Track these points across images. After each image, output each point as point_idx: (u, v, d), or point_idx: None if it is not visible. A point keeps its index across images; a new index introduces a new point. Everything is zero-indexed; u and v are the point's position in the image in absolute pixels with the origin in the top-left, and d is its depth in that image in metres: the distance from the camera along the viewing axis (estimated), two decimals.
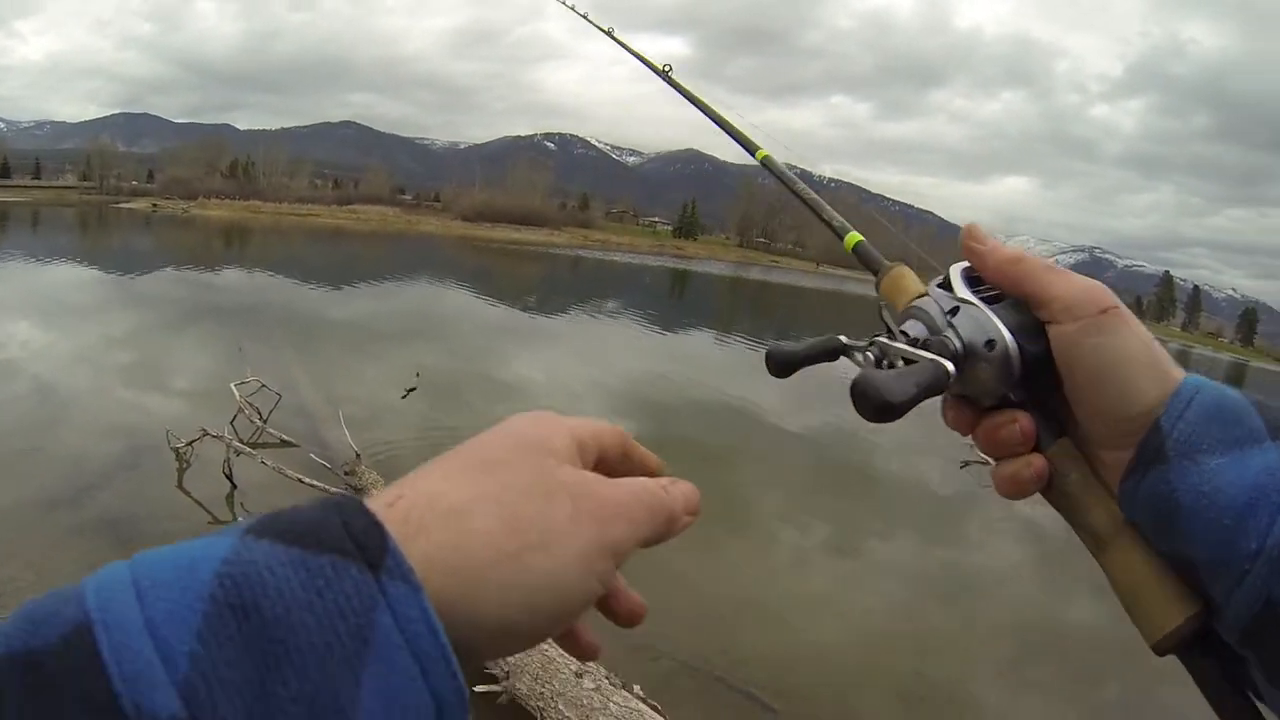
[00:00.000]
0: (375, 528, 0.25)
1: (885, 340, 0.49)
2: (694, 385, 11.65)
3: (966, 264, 0.48)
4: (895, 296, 0.56)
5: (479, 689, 3.40)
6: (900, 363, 0.46)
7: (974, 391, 0.46)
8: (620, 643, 2.64)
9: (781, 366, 0.56)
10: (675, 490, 0.35)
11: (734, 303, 35.96)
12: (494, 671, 3.48)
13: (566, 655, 3.34)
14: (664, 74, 1.08)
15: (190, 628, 0.22)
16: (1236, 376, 49.23)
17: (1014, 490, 0.46)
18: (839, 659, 4.74)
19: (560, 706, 3.27)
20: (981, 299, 0.46)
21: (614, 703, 3.26)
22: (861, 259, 0.64)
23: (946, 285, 0.49)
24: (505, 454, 0.31)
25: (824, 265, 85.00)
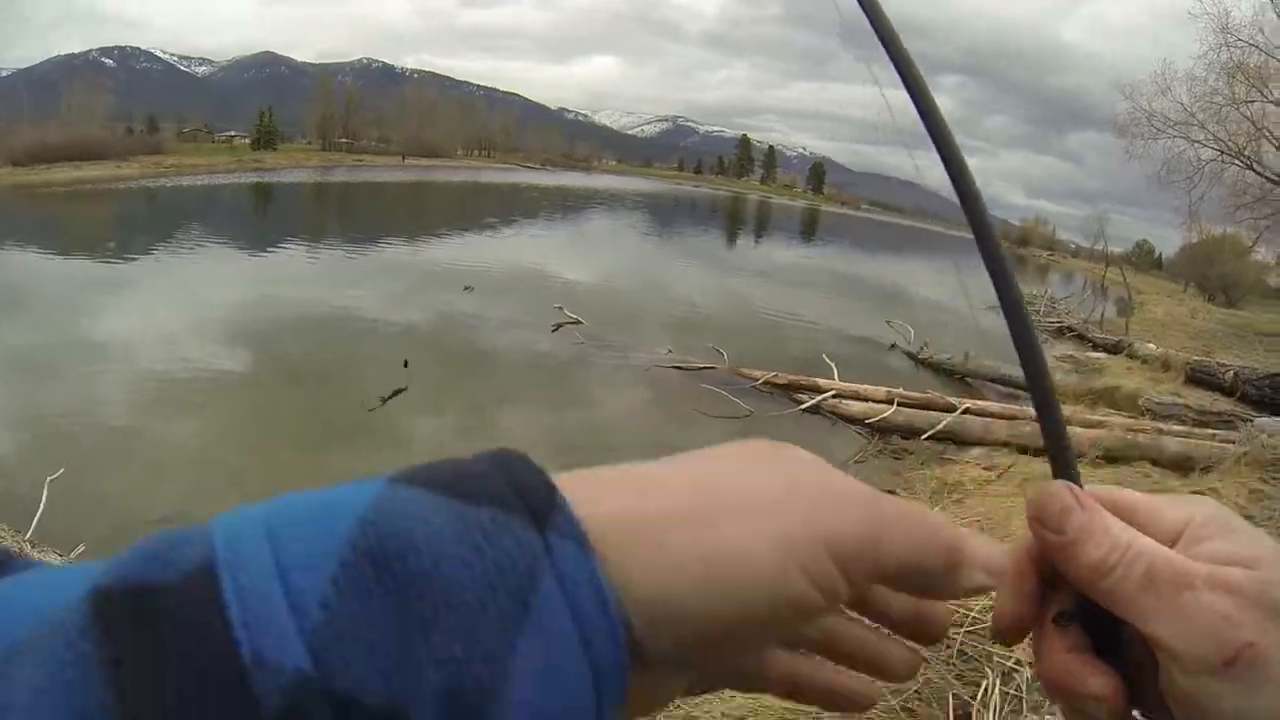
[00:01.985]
0: (544, 483, 0.23)
1: None
2: (297, 303, 11.24)
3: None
4: None
5: None
6: None
7: None
8: None
9: None
10: (970, 536, 0.29)
11: (321, 210, 34.22)
12: None
13: None
14: None
15: (326, 576, 0.20)
16: (811, 219, 58.45)
17: None
18: None
19: None
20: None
21: None
22: None
23: None
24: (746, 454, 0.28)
25: (409, 158, 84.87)
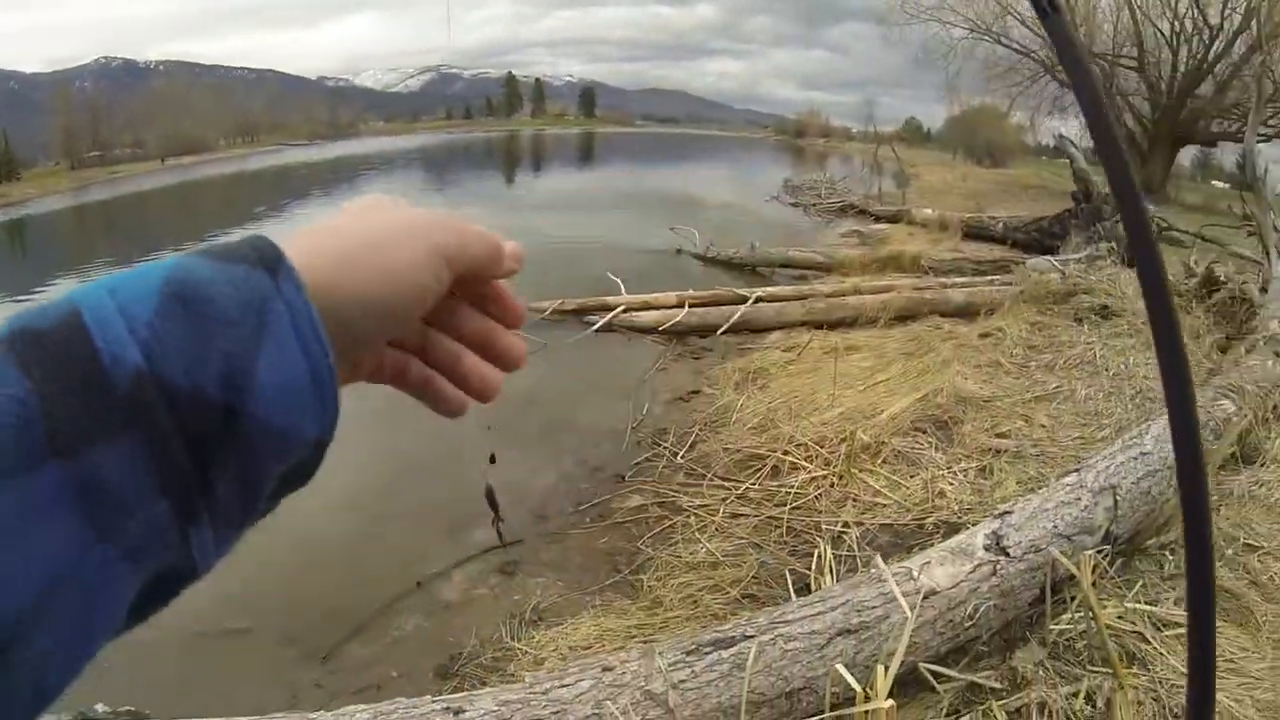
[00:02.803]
0: (273, 248, 0.33)
1: None
2: None
3: None
4: None
5: None
6: None
7: None
8: None
9: None
10: (511, 244, 0.43)
11: (84, 236, 33.50)
12: None
13: None
14: None
15: (148, 308, 0.29)
16: (587, 143, 60.47)
17: None
18: None
19: None
20: None
21: None
22: None
23: None
24: (370, 207, 0.41)
25: (169, 159, 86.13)
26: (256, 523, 0.34)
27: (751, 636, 2.29)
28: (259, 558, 3.35)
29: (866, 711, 1.99)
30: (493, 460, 2.70)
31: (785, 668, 2.23)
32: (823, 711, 2.20)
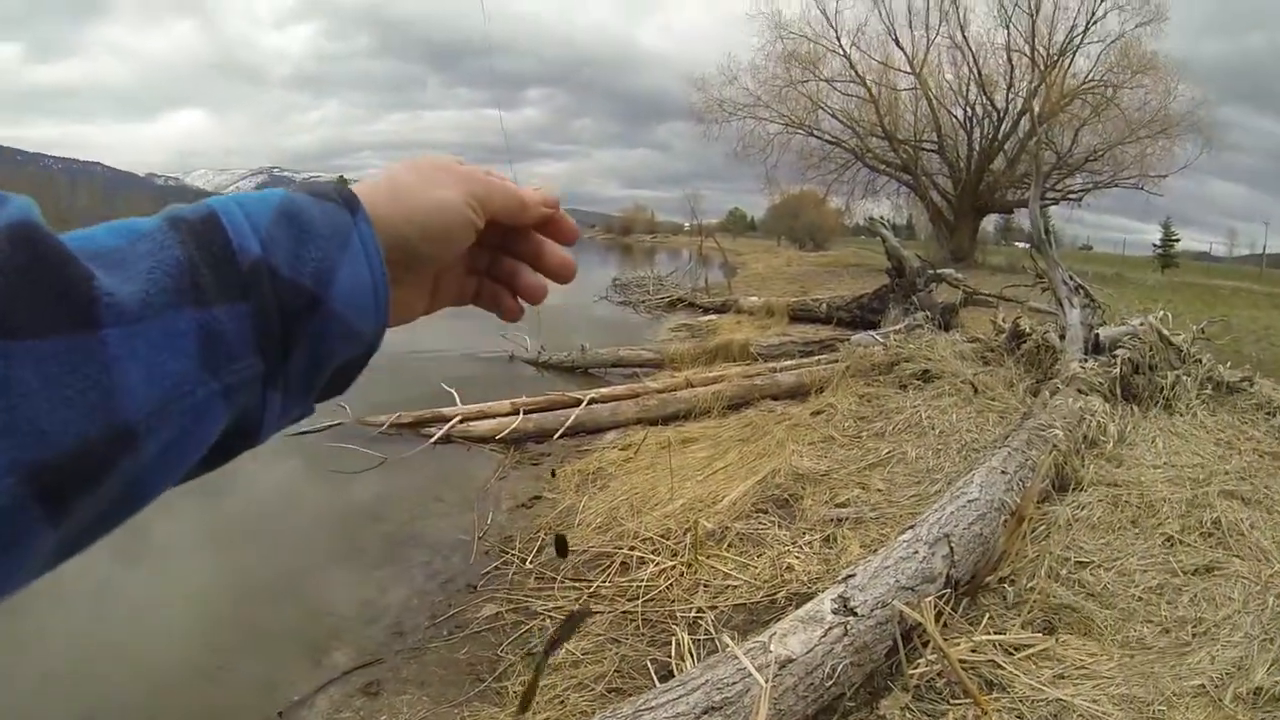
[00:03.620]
0: (353, 195, 0.44)
1: None
2: None
3: None
4: None
5: None
6: None
7: None
8: None
9: None
10: (534, 192, 0.55)
11: None
12: None
13: None
14: None
15: (266, 219, 0.40)
16: None
17: None
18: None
19: None
20: None
21: None
22: None
23: None
24: (423, 161, 0.51)
25: None
26: (312, 405, 0.45)
27: None
28: (100, 691, 3.05)
29: None
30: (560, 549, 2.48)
31: None
32: None
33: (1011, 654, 2.77)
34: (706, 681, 2.45)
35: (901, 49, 27.68)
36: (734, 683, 2.45)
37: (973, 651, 2.76)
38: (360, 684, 3.11)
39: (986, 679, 2.63)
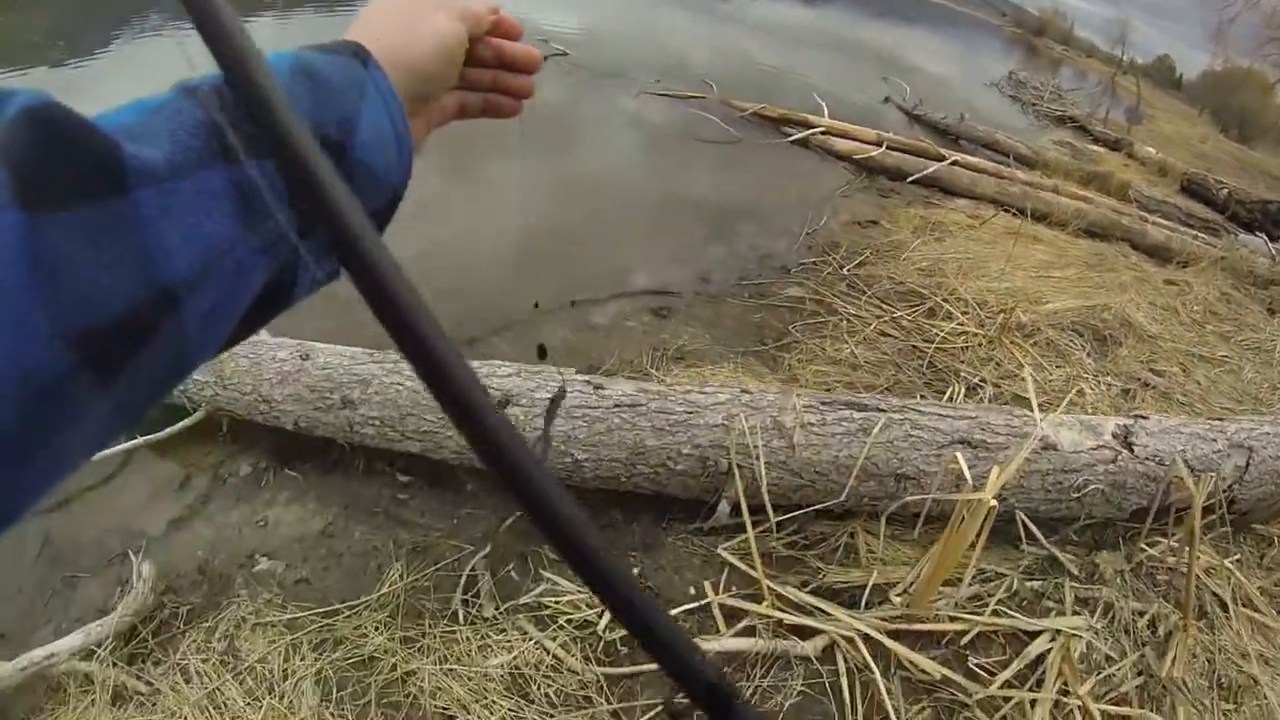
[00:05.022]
0: (363, 48, 0.45)
1: None
2: None
3: None
4: None
5: None
6: None
7: None
8: None
9: None
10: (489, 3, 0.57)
11: None
12: None
13: None
14: None
15: (285, 77, 0.40)
16: None
17: None
18: None
19: None
20: None
21: None
22: None
23: None
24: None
25: None
26: (338, 266, 0.40)
27: (883, 410, 2.40)
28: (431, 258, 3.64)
29: (969, 502, 2.06)
30: (542, 355, 2.72)
31: (904, 451, 2.35)
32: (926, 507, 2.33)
33: (1239, 605, 2.49)
34: (976, 419, 2.48)
35: None
36: (1000, 433, 2.45)
37: (1208, 572, 2.52)
38: (653, 305, 3.55)
39: (1203, 607, 2.42)
